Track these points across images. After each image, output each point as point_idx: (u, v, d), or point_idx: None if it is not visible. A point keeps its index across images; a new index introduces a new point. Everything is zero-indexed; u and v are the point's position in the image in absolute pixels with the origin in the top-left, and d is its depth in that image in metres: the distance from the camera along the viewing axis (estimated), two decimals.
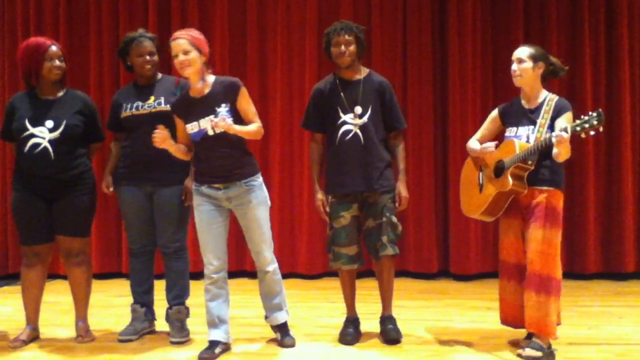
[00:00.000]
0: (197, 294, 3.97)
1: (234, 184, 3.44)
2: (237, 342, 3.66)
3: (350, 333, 3.69)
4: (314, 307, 4.64)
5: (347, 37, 3.56)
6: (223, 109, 3.33)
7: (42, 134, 3.56)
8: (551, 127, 3.28)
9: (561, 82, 5.22)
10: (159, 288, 3.89)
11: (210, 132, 3.37)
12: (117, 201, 3.85)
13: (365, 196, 3.64)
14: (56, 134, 3.56)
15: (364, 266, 3.79)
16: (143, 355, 3.49)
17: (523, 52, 3.41)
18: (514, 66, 3.42)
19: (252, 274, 5.43)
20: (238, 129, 3.33)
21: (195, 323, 3.88)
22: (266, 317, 3.72)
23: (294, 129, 5.67)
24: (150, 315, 3.88)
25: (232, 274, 4.44)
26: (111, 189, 3.83)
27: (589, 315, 4.22)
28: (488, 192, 3.44)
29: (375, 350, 3.54)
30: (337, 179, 3.65)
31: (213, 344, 3.46)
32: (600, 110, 3.06)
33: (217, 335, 3.48)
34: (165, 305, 3.80)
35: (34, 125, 3.57)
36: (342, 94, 3.64)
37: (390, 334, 3.65)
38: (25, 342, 3.67)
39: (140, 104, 3.70)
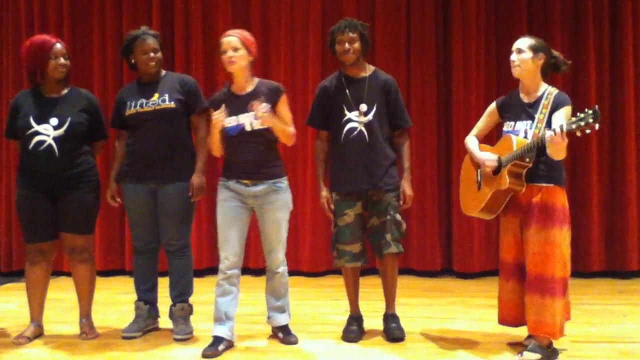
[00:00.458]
0: (200, 291, 3.99)
1: (262, 182, 3.50)
2: (240, 339, 3.66)
3: (354, 331, 3.70)
4: (317, 304, 4.64)
5: (351, 34, 3.57)
6: (264, 107, 3.39)
7: (47, 132, 3.57)
8: (549, 123, 3.19)
9: (564, 81, 5.22)
10: (163, 285, 3.90)
11: (248, 128, 3.44)
12: (122, 198, 3.85)
13: (370, 194, 3.64)
14: (61, 131, 3.57)
15: (368, 264, 3.80)
16: (147, 352, 3.50)
17: (523, 42, 3.32)
18: (513, 56, 3.33)
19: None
20: (277, 122, 3.40)
21: (199, 320, 3.89)
22: (268, 318, 3.74)
23: (297, 127, 5.59)
24: (153, 313, 3.89)
25: None
26: (118, 200, 3.83)
27: (592, 314, 4.21)
28: (485, 190, 3.38)
29: (378, 348, 3.54)
30: (342, 176, 3.65)
31: (217, 340, 3.47)
32: (596, 107, 2.94)
33: (222, 331, 3.49)
34: (169, 302, 3.81)
35: (39, 122, 3.58)
36: (347, 91, 3.64)
37: (393, 333, 3.65)
38: (30, 339, 3.68)
39: (144, 101, 3.70)
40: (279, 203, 3.54)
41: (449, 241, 5.74)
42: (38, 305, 3.78)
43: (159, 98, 3.69)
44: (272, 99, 3.51)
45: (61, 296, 4.62)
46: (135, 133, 3.73)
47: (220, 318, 3.51)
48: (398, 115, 3.71)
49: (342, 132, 3.64)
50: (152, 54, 3.71)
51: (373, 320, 3.87)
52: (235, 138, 3.47)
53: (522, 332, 3.51)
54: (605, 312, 4.33)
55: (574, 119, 2.98)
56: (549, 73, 3.40)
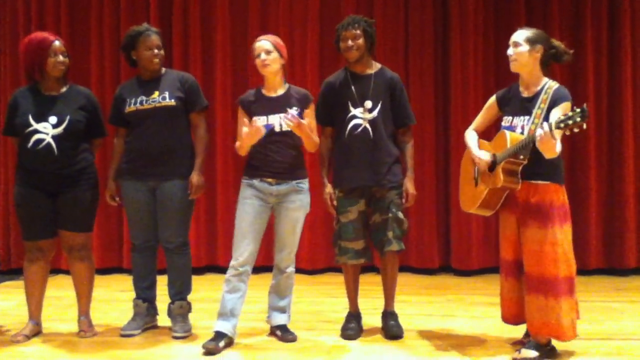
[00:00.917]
0: (199, 289, 3.99)
1: (286, 182, 3.54)
2: (239, 336, 3.65)
3: (353, 328, 3.70)
4: (316, 302, 4.65)
5: (353, 31, 3.58)
6: (295, 111, 3.44)
7: (46, 130, 3.56)
8: (548, 118, 3.06)
9: (562, 79, 5.20)
10: (162, 283, 3.90)
11: (277, 128, 3.49)
12: (120, 196, 3.85)
13: (373, 191, 3.64)
14: (59, 129, 3.57)
15: (370, 261, 3.80)
16: (145, 350, 3.50)
17: (519, 35, 3.22)
18: (510, 50, 3.24)
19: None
20: (305, 128, 3.43)
21: (198, 318, 3.89)
22: (268, 317, 3.75)
23: None
24: (152, 310, 3.89)
25: None
26: (117, 199, 3.83)
27: (590, 311, 4.21)
28: (481, 187, 3.33)
29: (377, 345, 3.55)
30: (345, 173, 3.66)
31: (219, 335, 3.46)
32: (584, 106, 2.83)
33: (225, 327, 3.48)
34: (168, 300, 3.81)
35: (38, 121, 3.57)
36: (352, 87, 3.65)
37: (392, 331, 3.65)
38: (28, 337, 3.67)
39: (144, 98, 3.69)
40: (298, 203, 3.58)
41: (447, 238, 5.75)
42: (36, 303, 3.77)
43: (159, 96, 3.69)
44: (302, 105, 3.56)
45: (60, 294, 4.62)
46: (134, 130, 3.72)
47: (225, 314, 3.50)
48: (403, 112, 3.72)
49: (346, 128, 3.64)
50: (156, 51, 3.70)
51: (372, 317, 3.88)
52: (264, 138, 3.49)
53: (521, 329, 3.50)
54: (603, 309, 4.34)
55: (562, 117, 2.89)
56: (550, 64, 3.31)
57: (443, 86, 5.75)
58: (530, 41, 3.21)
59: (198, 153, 3.75)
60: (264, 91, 3.62)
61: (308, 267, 5.69)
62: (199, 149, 3.76)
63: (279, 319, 3.69)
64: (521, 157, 3.12)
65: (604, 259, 5.61)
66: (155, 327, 3.91)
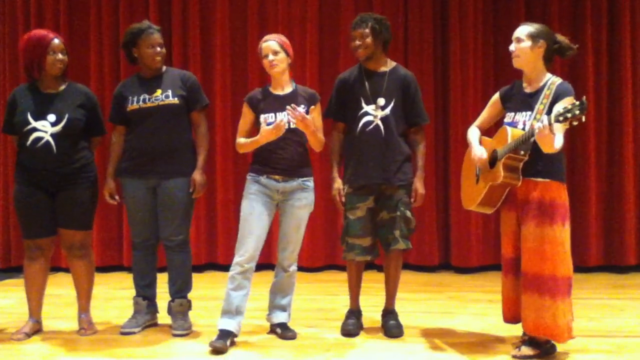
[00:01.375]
0: (199, 287, 3.99)
1: (292, 179, 3.55)
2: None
3: (353, 324, 3.70)
4: (316, 299, 4.65)
5: (361, 30, 3.58)
6: (302, 108, 3.45)
7: (45, 128, 3.56)
8: (550, 114, 2.98)
9: (562, 77, 5.20)
10: (162, 281, 3.90)
11: (285, 126, 3.47)
12: (120, 195, 3.85)
13: (382, 189, 3.64)
14: (58, 127, 3.57)
15: (378, 258, 3.79)
16: (145, 348, 3.50)
17: (521, 30, 3.19)
18: (512, 46, 3.22)
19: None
20: (310, 124, 3.43)
21: (198, 316, 3.89)
22: (268, 315, 3.74)
23: None
24: (152, 308, 3.88)
25: None
26: (117, 198, 3.83)
27: (590, 308, 4.23)
28: (482, 184, 3.30)
29: (377, 342, 3.55)
30: (355, 169, 3.65)
31: (226, 334, 3.43)
32: (583, 99, 2.81)
33: (231, 325, 3.46)
34: (168, 298, 3.81)
35: (37, 119, 3.57)
36: (366, 84, 3.65)
37: (391, 329, 3.65)
38: (28, 335, 3.67)
39: (146, 96, 3.68)
40: (304, 201, 3.59)
41: (446, 236, 5.76)
42: (36, 301, 3.77)
43: (162, 94, 3.68)
44: (308, 104, 3.57)
45: (59, 292, 4.62)
46: (136, 129, 3.72)
47: (231, 312, 3.48)
48: (415, 111, 3.70)
49: (358, 125, 3.64)
50: (158, 49, 3.69)
51: (372, 314, 3.88)
52: None
53: (520, 327, 3.50)
54: (602, 306, 4.34)
55: (561, 110, 2.85)
56: (554, 59, 3.28)
57: (442, 86, 5.75)
58: (533, 37, 3.18)
59: (200, 151, 3.75)
60: (271, 89, 3.62)
61: (308, 264, 5.68)
62: (200, 148, 3.76)
63: (280, 317, 3.70)
64: (522, 152, 3.10)
65: (604, 256, 5.61)
66: (156, 325, 3.91)
